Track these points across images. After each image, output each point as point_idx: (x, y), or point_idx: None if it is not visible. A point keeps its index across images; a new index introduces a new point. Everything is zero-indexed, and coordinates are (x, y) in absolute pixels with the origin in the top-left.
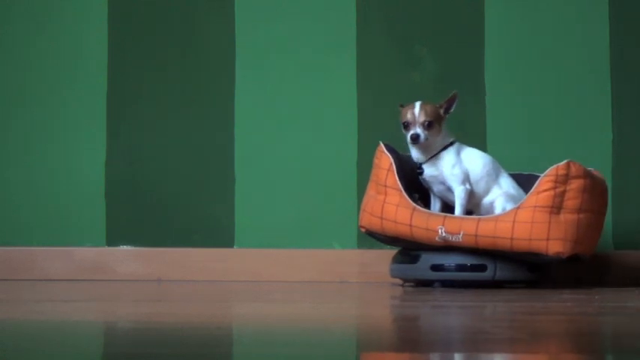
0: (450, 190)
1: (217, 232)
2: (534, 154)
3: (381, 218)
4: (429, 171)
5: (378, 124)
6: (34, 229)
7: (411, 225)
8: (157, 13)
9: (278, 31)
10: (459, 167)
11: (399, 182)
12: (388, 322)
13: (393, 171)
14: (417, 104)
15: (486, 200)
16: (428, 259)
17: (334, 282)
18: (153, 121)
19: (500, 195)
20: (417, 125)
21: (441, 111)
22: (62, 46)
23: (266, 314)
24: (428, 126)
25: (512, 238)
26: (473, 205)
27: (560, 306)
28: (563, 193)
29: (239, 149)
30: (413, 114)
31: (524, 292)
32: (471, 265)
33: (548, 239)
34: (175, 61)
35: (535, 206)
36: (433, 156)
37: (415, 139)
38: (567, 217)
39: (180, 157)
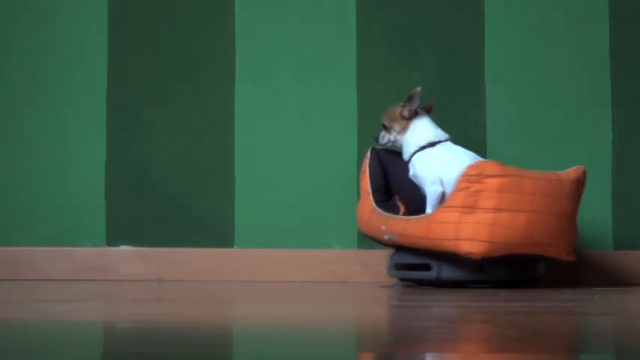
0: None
1: (217, 232)
2: (534, 154)
3: (360, 221)
4: (410, 171)
5: (378, 124)
6: (34, 229)
7: (369, 224)
8: (157, 13)
9: (278, 32)
10: (429, 168)
11: (369, 185)
12: (388, 322)
13: (367, 174)
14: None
15: None
16: (393, 258)
17: (334, 282)
18: (153, 121)
19: None
20: (381, 129)
21: (405, 111)
22: (62, 47)
23: (266, 314)
24: (386, 128)
25: (428, 238)
26: None
27: (559, 306)
28: (477, 192)
29: (239, 149)
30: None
31: (522, 292)
32: (415, 264)
33: (457, 239)
34: (175, 61)
35: (449, 206)
36: (412, 155)
37: (376, 139)
38: (481, 217)
39: (181, 157)
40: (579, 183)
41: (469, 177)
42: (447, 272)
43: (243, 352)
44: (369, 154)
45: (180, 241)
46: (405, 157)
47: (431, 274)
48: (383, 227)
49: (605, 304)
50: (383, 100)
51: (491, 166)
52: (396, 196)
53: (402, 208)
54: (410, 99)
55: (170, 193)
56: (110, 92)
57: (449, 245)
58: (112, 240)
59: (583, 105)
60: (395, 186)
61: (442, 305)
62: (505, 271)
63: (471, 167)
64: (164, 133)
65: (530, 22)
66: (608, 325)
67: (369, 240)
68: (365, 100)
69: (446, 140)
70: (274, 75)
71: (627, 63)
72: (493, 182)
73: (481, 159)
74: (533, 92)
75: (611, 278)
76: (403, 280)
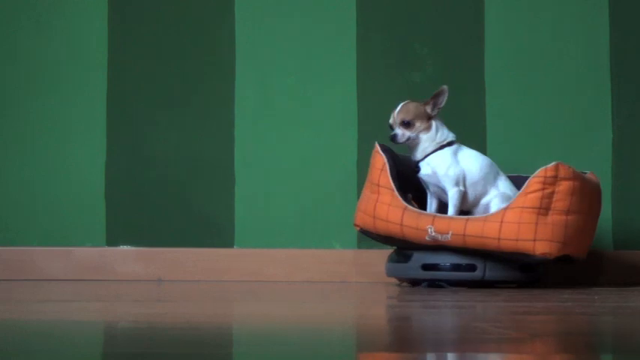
0: (444, 190)
1: (217, 232)
2: (534, 154)
3: (374, 217)
4: (424, 170)
5: (378, 124)
6: (34, 229)
7: (402, 224)
8: (158, 12)
9: (278, 31)
10: (453, 169)
11: (391, 182)
12: (387, 321)
13: (387, 170)
14: (400, 104)
15: (483, 201)
16: (419, 258)
17: (334, 282)
18: (153, 121)
19: (496, 196)
20: (397, 125)
21: (427, 108)
22: (62, 46)
23: (266, 314)
24: (407, 125)
25: (499, 239)
26: (470, 206)
27: (559, 306)
28: (552, 194)
29: (239, 149)
30: (393, 115)
31: (522, 292)
32: (460, 264)
33: (535, 240)
34: (175, 62)
35: (523, 207)
36: (429, 154)
37: (393, 138)
38: (555, 219)
39: (181, 157)
40: (600, 186)
41: (546, 179)
42: (491, 273)
43: (243, 352)
44: (380, 150)
45: (180, 241)
46: (419, 156)
47: (476, 275)
48: (429, 227)
49: (605, 304)
50: (383, 100)
51: (565, 169)
52: (410, 194)
53: (416, 206)
54: (436, 96)
55: (170, 193)
56: (110, 92)
57: (525, 246)
58: (112, 240)
59: (583, 105)
60: (405, 184)
61: (441, 305)
62: (547, 270)
63: (547, 169)
64: (164, 133)
65: (530, 22)
66: (609, 325)
67: (368, 240)
68: (365, 100)
69: (457, 140)
70: (274, 75)
71: (627, 63)
72: (567, 185)
73: (489, 159)
74: (534, 92)
75: (611, 278)
76: (423, 281)
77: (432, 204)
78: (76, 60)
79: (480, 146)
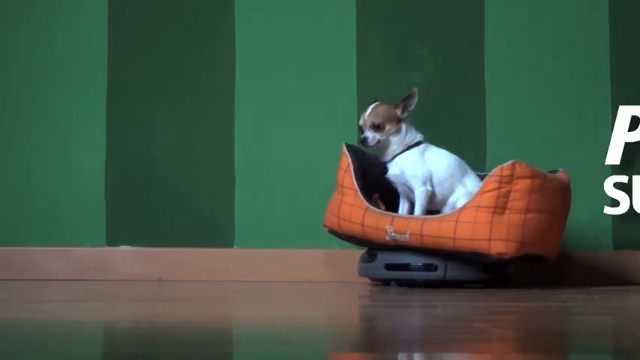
0: (412, 190)
1: (217, 232)
2: (534, 154)
3: (339, 217)
4: (392, 170)
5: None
6: (34, 229)
7: (363, 224)
8: (158, 13)
9: (278, 31)
10: (420, 168)
11: (355, 182)
12: (386, 321)
13: (351, 171)
14: (370, 107)
15: (451, 200)
16: (383, 258)
17: (334, 282)
18: (153, 121)
19: (464, 195)
20: (367, 128)
21: (398, 111)
22: (62, 46)
23: (266, 314)
24: (377, 128)
25: (454, 238)
26: (438, 205)
27: (559, 306)
28: (508, 193)
29: (239, 149)
30: (364, 117)
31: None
32: (422, 264)
33: (490, 239)
34: (175, 62)
35: (478, 206)
36: (397, 155)
37: (363, 141)
38: (512, 218)
39: (181, 157)
40: (569, 184)
41: (502, 177)
42: (453, 272)
43: (243, 352)
44: (346, 151)
45: (180, 241)
46: (387, 157)
47: (437, 275)
48: (388, 227)
49: (606, 303)
50: (383, 100)
51: (523, 168)
52: (376, 194)
53: (383, 207)
54: (407, 99)
55: (170, 193)
56: (110, 92)
57: (480, 245)
58: (112, 240)
59: (583, 105)
60: (371, 184)
61: (446, 305)
62: (505, 270)
63: (503, 168)
64: (164, 133)
65: (530, 22)
66: (609, 325)
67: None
68: (365, 100)
69: (425, 140)
70: (274, 75)
71: (627, 63)
72: (525, 183)
73: (457, 158)
74: (533, 92)
75: (611, 278)
76: (388, 280)
77: (403, 206)
78: (76, 60)
79: (480, 146)
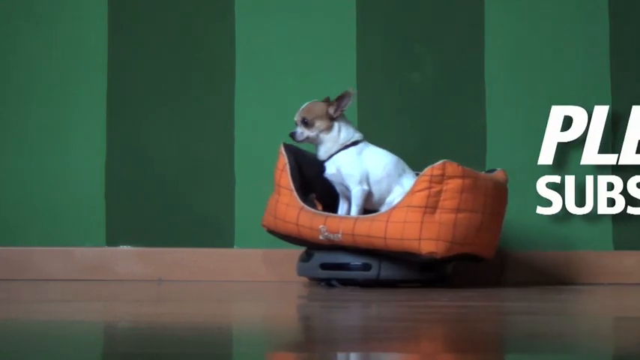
0: (348, 189)
1: (217, 232)
2: (534, 154)
3: (275, 217)
4: (329, 169)
5: (378, 124)
6: (34, 229)
7: (297, 224)
8: (158, 13)
9: (278, 31)
10: (356, 167)
11: (291, 182)
12: (378, 320)
13: (287, 171)
14: (306, 103)
15: (388, 200)
16: (318, 257)
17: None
18: (153, 121)
19: (400, 194)
20: (298, 123)
21: (330, 109)
22: (62, 46)
23: (265, 314)
24: (307, 124)
25: (385, 238)
26: (376, 205)
27: (559, 306)
28: (439, 193)
29: (239, 150)
30: (298, 112)
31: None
32: (355, 264)
33: (420, 239)
34: (175, 62)
35: (409, 206)
36: (334, 154)
37: (292, 135)
38: (443, 217)
39: (181, 157)
40: (506, 184)
41: (432, 177)
42: (387, 272)
43: (243, 352)
44: (283, 150)
45: (180, 241)
46: (323, 156)
47: (371, 274)
48: (321, 226)
49: (605, 303)
50: (383, 100)
51: (454, 168)
52: (314, 194)
53: (320, 207)
54: (340, 99)
55: (170, 193)
56: (110, 92)
57: (410, 245)
58: (112, 240)
59: (583, 105)
60: (309, 184)
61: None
62: (441, 270)
63: (434, 168)
64: (164, 133)
65: (530, 22)
66: (609, 325)
67: None
68: (365, 100)
69: (363, 139)
70: (274, 75)
71: (627, 63)
72: (455, 183)
73: (395, 157)
74: (533, 92)
75: (610, 278)
76: (328, 280)
77: (342, 206)
78: (76, 60)
79: (480, 146)
